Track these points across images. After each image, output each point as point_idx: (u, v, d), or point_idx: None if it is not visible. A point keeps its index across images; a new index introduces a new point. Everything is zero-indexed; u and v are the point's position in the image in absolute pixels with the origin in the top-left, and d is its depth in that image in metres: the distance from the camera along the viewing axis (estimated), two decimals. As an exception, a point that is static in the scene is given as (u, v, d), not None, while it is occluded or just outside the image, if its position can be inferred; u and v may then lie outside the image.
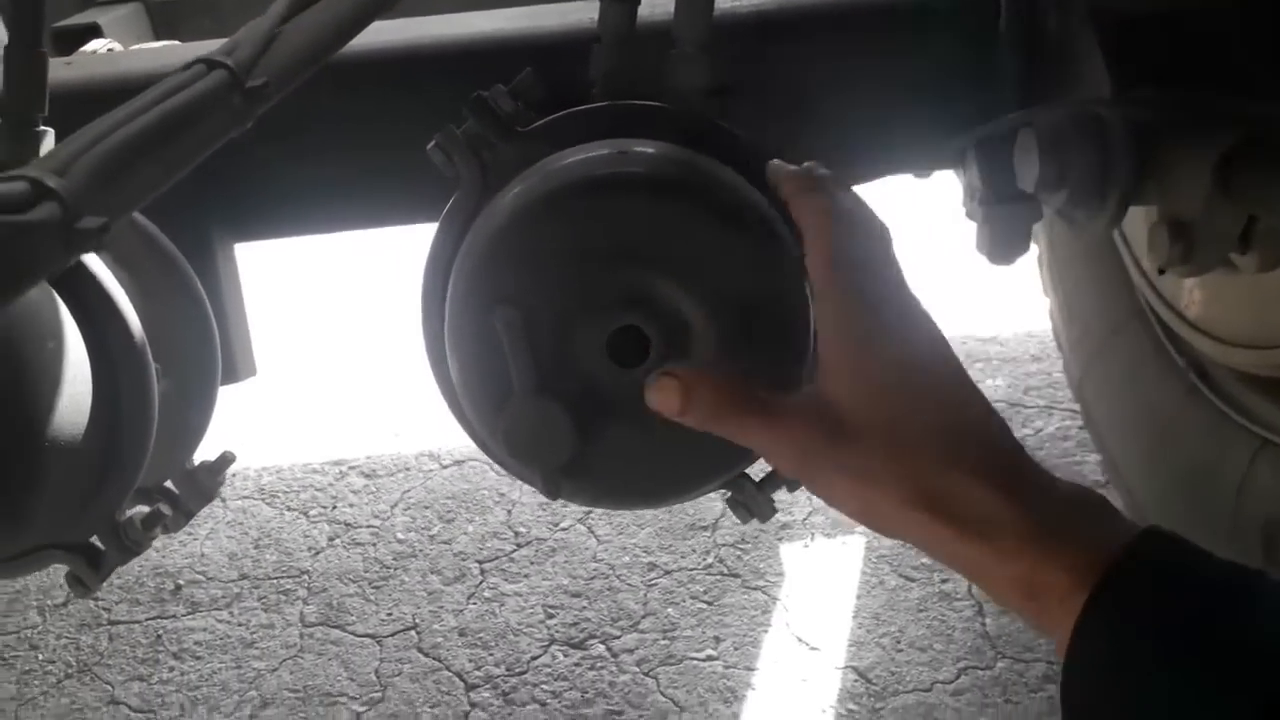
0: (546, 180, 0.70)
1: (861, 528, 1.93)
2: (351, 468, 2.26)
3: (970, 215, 1.11)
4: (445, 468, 2.22)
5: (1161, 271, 1.41)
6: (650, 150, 0.72)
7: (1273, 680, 0.47)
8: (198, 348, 0.92)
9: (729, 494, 0.81)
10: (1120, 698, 0.50)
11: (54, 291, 0.75)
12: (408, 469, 2.24)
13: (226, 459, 0.98)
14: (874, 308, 0.61)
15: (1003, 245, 1.09)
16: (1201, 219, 0.85)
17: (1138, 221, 1.37)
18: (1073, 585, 0.52)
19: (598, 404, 0.70)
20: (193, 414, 0.93)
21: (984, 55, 1.01)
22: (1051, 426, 2.11)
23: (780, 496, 0.80)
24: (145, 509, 0.90)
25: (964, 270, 2.48)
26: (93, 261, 0.78)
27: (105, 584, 1.97)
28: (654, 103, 0.79)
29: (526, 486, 2.14)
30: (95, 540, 0.84)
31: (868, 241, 0.64)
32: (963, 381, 0.60)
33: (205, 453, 0.96)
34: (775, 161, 0.72)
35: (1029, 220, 1.08)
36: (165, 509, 0.89)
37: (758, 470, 0.79)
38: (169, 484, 0.95)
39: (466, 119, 0.76)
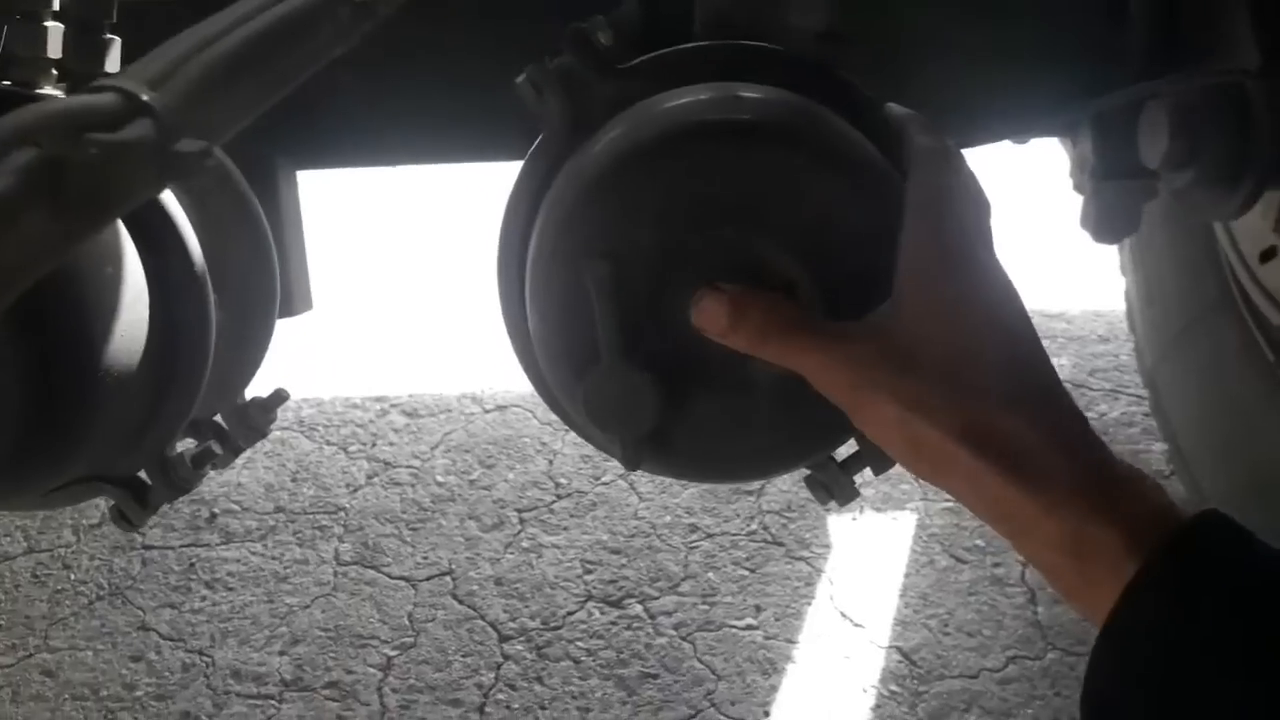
0: (654, 123, 0.64)
1: (913, 504, 1.89)
2: (393, 405, 2.22)
3: (1078, 188, 1.05)
4: (488, 411, 2.18)
5: (1264, 260, 1.33)
6: (766, 96, 0.66)
7: None
8: (258, 279, 0.87)
9: (808, 473, 0.76)
10: (1161, 676, 0.47)
11: (114, 212, 0.71)
12: (449, 410, 2.20)
13: (280, 396, 0.94)
14: (966, 252, 0.59)
15: (1110, 223, 1.02)
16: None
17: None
18: (1127, 547, 0.49)
19: (688, 372, 0.65)
20: (248, 348, 0.89)
21: (1110, 18, 0.93)
22: (1116, 411, 2.03)
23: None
24: (194, 445, 0.86)
25: (1033, 242, 2.40)
26: (156, 183, 0.74)
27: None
28: (766, 44, 0.72)
29: (569, 436, 2.09)
30: (143, 475, 0.80)
31: (977, 195, 0.62)
32: (1037, 345, 0.57)
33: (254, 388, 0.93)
34: (894, 105, 0.67)
35: (1141, 198, 1.01)
36: (216, 447, 0.85)
37: (841, 451, 0.74)
38: (219, 419, 0.91)
39: (560, 51, 0.70)
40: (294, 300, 1.02)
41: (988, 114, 0.93)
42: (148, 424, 0.76)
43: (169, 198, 0.73)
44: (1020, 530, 0.53)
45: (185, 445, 0.85)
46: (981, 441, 0.53)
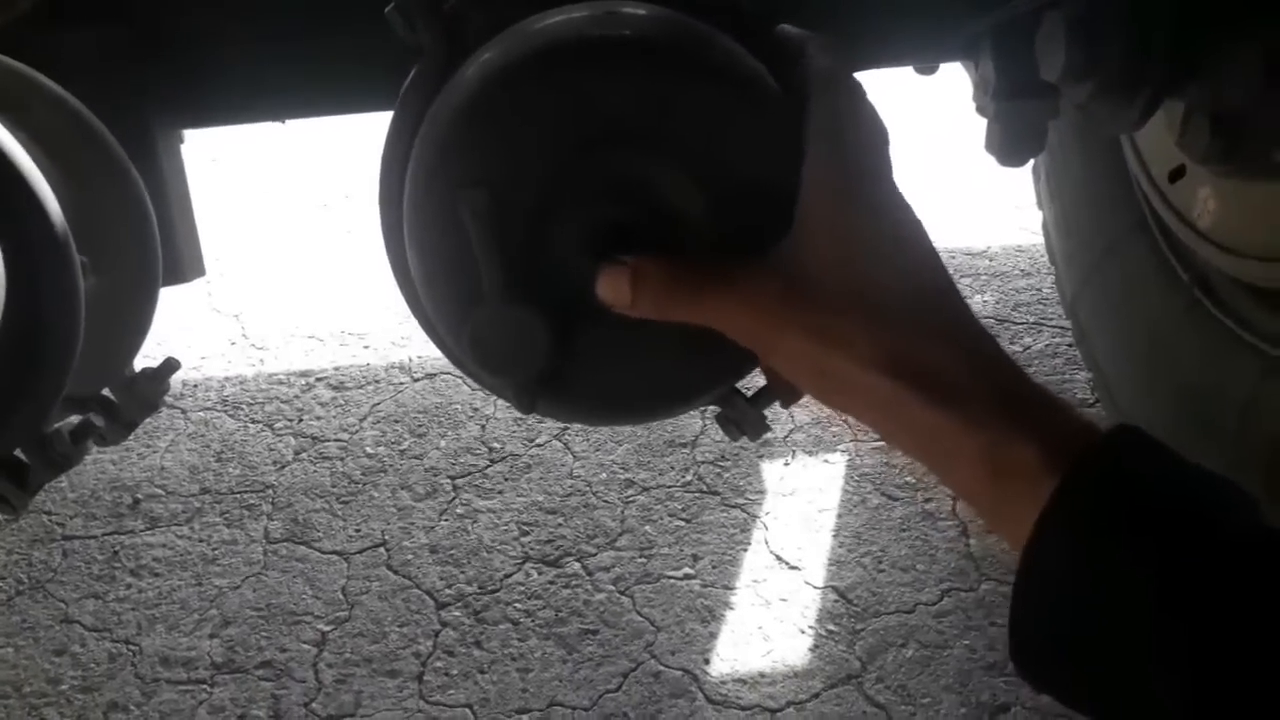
0: (522, 44, 0.61)
1: (843, 446, 1.89)
2: (319, 379, 2.17)
3: (981, 111, 1.03)
4: (416, 380, 2.14)
5: (1173, 179, 1.34)
6: (643, 11, 0.63)
7: (1236, 633, 0.44)
8: (133, 241, 0.83)
9: (718, 410, 0.74)
10: (1085, 595, 0.47)
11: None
12: (377, 381, 2.16)
13: (170, 366, 0.90)
14: (870, 180, 0.58)
15: (1015, 144, 1.01)
16: (1250, 113, 0.77)
17: (1152, 125, 1.29)
18: (1044, 464, 0.48)
19: (579, 307, 0.62)
20: (130, 315, 0.85)
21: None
22: (1040, 343, 2.05)
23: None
24: (77, 420, 0.82)
25: (952, 182, 2.41)
26: (4, 139, 0.69)
27: (59, 497, 1.87)
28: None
29: (502, 401, 2.07)
30: (19, 454, 0.76)
31: (876, 123, 0.60)
32: (944, 271, 0.56)
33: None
34: (788, 26, 0.64)
35: (1045, 117, 1.00)
36: (97, 420, 0.81)
37: (749, 385, 0.72)
38: (107, 393, 0.87)
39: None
40: (183, 266, 0.98)
41: (882, 35, 0.91)
42: (16, 401, 0.72)
43: (20, 154, 0.69)
44: (940, 452, 0.53)
45: (67, 422, 0.82)
46: (896, 367, 0.52)
